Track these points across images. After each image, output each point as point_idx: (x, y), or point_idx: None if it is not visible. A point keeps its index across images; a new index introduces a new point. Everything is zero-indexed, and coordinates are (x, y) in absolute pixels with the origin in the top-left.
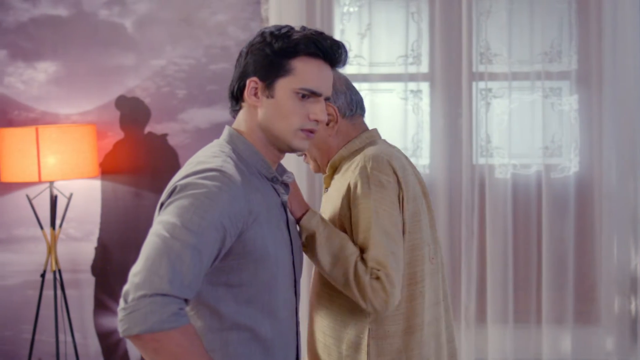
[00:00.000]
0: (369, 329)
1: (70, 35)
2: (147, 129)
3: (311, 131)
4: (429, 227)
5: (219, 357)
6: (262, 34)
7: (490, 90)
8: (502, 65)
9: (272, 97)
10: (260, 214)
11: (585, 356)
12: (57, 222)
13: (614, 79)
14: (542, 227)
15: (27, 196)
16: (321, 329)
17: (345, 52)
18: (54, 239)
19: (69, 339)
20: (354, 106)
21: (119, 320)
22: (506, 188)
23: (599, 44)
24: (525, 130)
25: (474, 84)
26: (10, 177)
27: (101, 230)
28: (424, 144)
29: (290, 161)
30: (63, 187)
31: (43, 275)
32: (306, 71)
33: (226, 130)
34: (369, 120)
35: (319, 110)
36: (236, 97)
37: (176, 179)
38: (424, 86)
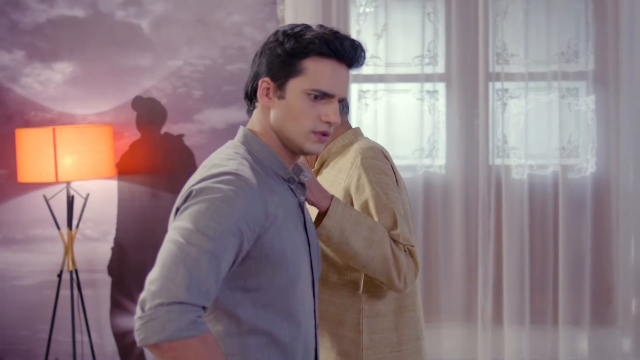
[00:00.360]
0: (362, 309)
1: (87, 36)
2: (164, 130)
3: (324, 134)
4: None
5: None
6: (275, 34)
7: (506, 90)
8: (518, 65)
9: (284, 97)
10: (278, 216)
11: (602, 357)
12: (74, 222)
13: (631, 79)
14: (559, 228)
15: (44, 196)
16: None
17: (363, 52)
18: (71, 239)
19: (86, 339)
20: (343, 105)
21: (136, 330)
22: (523, 189)
23: (616, 44)
24: (541, 130)
25: (490, 84)
26: (27, 178)
27: (117, 230)
28: (440, 145)
29: None
30: (80, 187)
31: (60, 275)
32: (318, 72)
33: (240, 131)
34: (386, 120)
35: (331, 111)
36: (250, 97)
37: (191, 183)
38: (440, 86)
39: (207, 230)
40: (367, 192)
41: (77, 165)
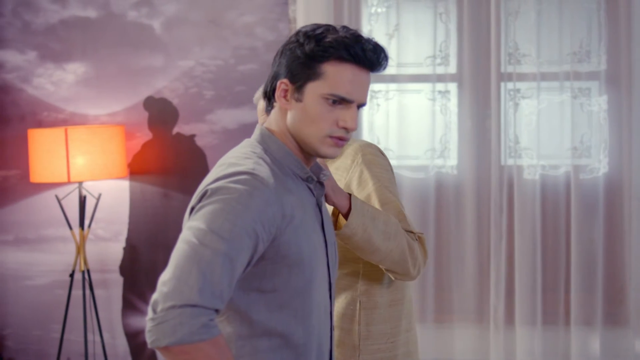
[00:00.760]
0: (360, 301)
1: (99, 37)
2: (175, 130)
3: (341, 139)
4: None
5: None
6: (296, 34)
7: (518, 90)
8: (530, 65)
9: (301, 100)
10: (295, 217)
11: (614, 358)
12: (86, 222)
13: None
14: (571, 229)
15: (56, 196)
16: None
17: (385, 56)
18: (83, 239)
19: (98, 338)
20: None
21: (147, 331)
22: (535, 189)
23: (628, 43)
24: (554, 131)
25: (502, 84)
26: (39, 178)
27: (129, 230)
28: (452, 145)
29: None
30: (92, 187)
31: (72, 275)
32: (337, 76)
33: (257, 130)
34: (397, 121)
35: (348, 117)
36: (269, 97)
37: (207, 182)
38: (452, 87)
39: (222, 232)
40: (370, 187)
41: (89, 166)
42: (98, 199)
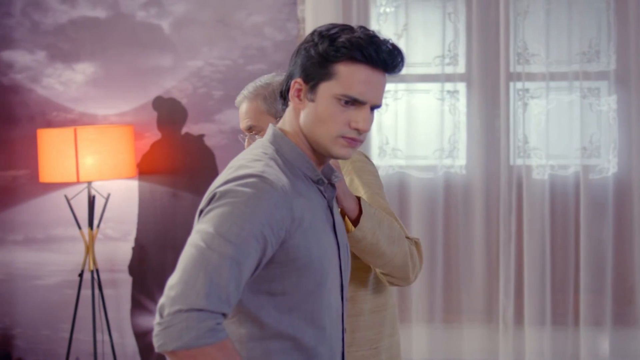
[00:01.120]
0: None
1: (108, 37)
2: (184, 130)
3: (353, 139)
4: None
5: None
6: (312, 33)
7: (527, 90)
8: (539, 65)
9: (314, 100)
10: (304, 220)
11: (624, 358)
12: (95, 222)
13: None
14: (580, 229)
15: (66, 196)
16: None
17: (401, 59)
18: (92, 238)
19: (107, 338)
20: None
21: (155, 335)
22: (544, 189)
23: (637, 43)
24: (563, 130)
25: (511, 84)
26: (49, 178)
27: (138, 230)
28: (461, 145)
29: None
30: (101, 187)
31: (81, 275)
32: (350, 77)
33: (270, 130)
34: (406, 121)
35: (361, 118)
36: (284, 96)
37: (216, 185)
38: (461, 87)
39: (229, 236)
40: (362, 194)
41: (98, 166)
42: (107, 199)
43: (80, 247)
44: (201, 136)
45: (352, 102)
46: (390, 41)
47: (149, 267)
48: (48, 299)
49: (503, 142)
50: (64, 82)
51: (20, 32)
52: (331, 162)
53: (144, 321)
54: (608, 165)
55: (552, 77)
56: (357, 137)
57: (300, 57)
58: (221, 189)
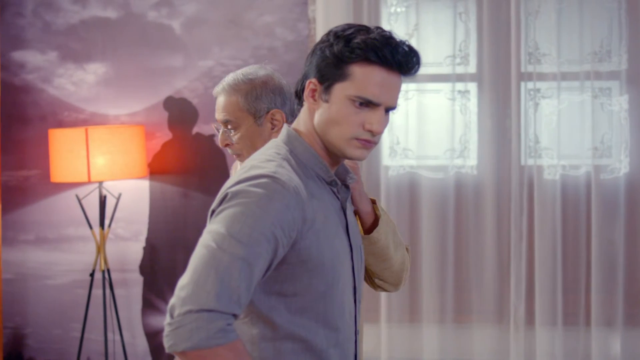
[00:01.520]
0: None
1: (119, 37)
2: (195, 130)
3: (368, 141)
4: None
5: None
6: (328, 33)
7: (538, 90)
8: (550, 65)
9: (328, 101)
10: (316, 221)
11: (635, 359)
12: (106, 222)
13: None
14: (592, 229)
15: (77, 196)
16: None
17: (417, 61)
18: (103, 238)
19: (118, 338)
20: (294, 114)
21: (165, 336)
22: (555, 189)
23: None
24: (574, 130)
25: (522, 84)
26: (60, 178)
27: (149, 230)
28: (472, 145)
29: None
30: (112, 187)
31: (92, 275)
32: (364, 78)
33: (284, 130)
34: (417, 121)
35: (375, 120)
36: (300, 96)
37: (228, 185)
38: (472, 86)
39: (240, 236)
40: None
41: (109, 165)
42: (118, 199)
43: (92, 247)
44: (212, 136)
45: (367, 103)
46: (407, 42)
47: (160, 267)
48: (59, 299)
49: (514, 142)
50: (76, 82)
51: (31, 33)
52: (347, 162)
53: (154, 321)
54: (619, 165)
55: (564, 77)
56: (371, 139)
57: (316, 57)
58: (233, 189)
